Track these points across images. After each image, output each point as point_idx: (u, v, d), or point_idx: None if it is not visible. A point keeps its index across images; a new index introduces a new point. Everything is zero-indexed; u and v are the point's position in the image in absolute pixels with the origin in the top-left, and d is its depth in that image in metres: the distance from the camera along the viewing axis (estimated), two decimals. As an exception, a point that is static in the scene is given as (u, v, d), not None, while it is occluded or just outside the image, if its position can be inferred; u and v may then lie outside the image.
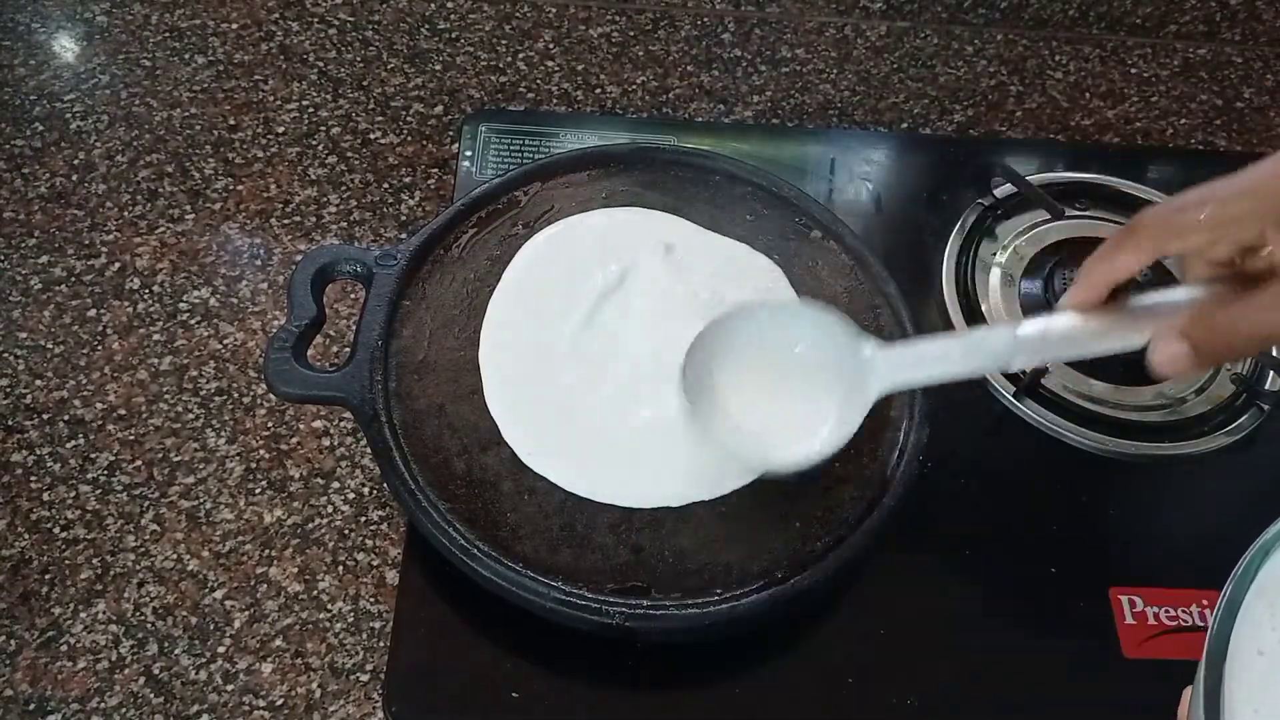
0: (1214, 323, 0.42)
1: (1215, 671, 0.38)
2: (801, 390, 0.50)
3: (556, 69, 0.85)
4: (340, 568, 0.61)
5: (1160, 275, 0.59)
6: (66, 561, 0.61)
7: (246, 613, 0.59)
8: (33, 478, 0.64)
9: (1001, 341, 0.46)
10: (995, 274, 0.70)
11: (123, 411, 0.66)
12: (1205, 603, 0.57)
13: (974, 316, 0.67)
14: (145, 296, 0.71)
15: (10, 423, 0.65)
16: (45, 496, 0.63)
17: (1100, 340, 0.45)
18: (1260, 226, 0.41)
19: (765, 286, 0.61)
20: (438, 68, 0.84)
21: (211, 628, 0.59)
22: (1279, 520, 0.41)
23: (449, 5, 0.88)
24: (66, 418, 0.66)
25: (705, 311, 0.59)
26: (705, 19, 0.89)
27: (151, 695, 0.57)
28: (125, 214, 0.75)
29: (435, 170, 0.78)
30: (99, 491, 0.63)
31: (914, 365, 0.48)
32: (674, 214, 0.64)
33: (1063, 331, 0.45)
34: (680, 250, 0.62)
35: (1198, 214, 0.43)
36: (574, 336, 0.58)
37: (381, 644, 0.58)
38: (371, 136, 0.80)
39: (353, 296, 0.71)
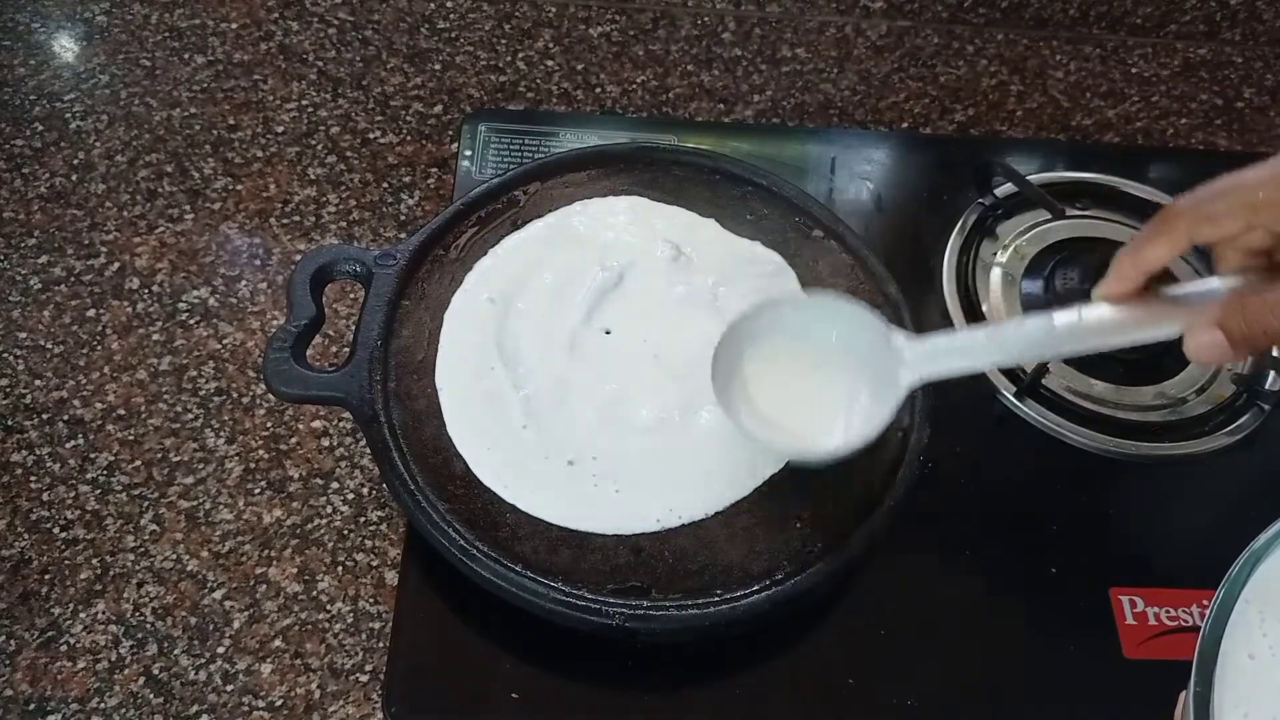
0: (1248, 309, 0.42)
1: (1206, 675, 0.38)
2: (830, 383, 0.50)
3: (556, 69, 0.85)
4: (340, 568, 0.61)
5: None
6: (66, 561, 0.61)
7: (246, 613, 0.59)
8: (33, 478, 0.63)
9: (1036, 332, 0.46)
10: (996, 274, 0.70)
11: (122, 411, 0.66)
12: (1205, 603, 0.57)
13: (974, 316, 0.67)
14: (145, 296, 0.71)
15: (10, 423, 0.65)
16: (45, 496, 0.63)
17: (1133, 331, 0.45)
18: None
19: (765, 285, 0.61)
20: (437, 67, 0.84)
21: (211, 628, 0.59)
22: (1269, 528, 0.41)
23: (449, 5, 0.88)
24: (66, 418, 0.66)
25: (707, 310, 0.60)
26: (705, 19, 0.89)
27: (151, 695, 0.57)
28: (125, 214, 0.75)
29: (435, 170, 0.78)
30: (99, 491, 0.63)
31: (945, 356, 0.48)
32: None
33: (1096, 323, 0.45)
34: (684, 245, 0.62)
35: (1231, 200, 0.43)
36: (572, 336, 0.58)
37: (381, 644, 0.58)
38: (371, 136, 0.80)
39: (352, 296, 0.71)
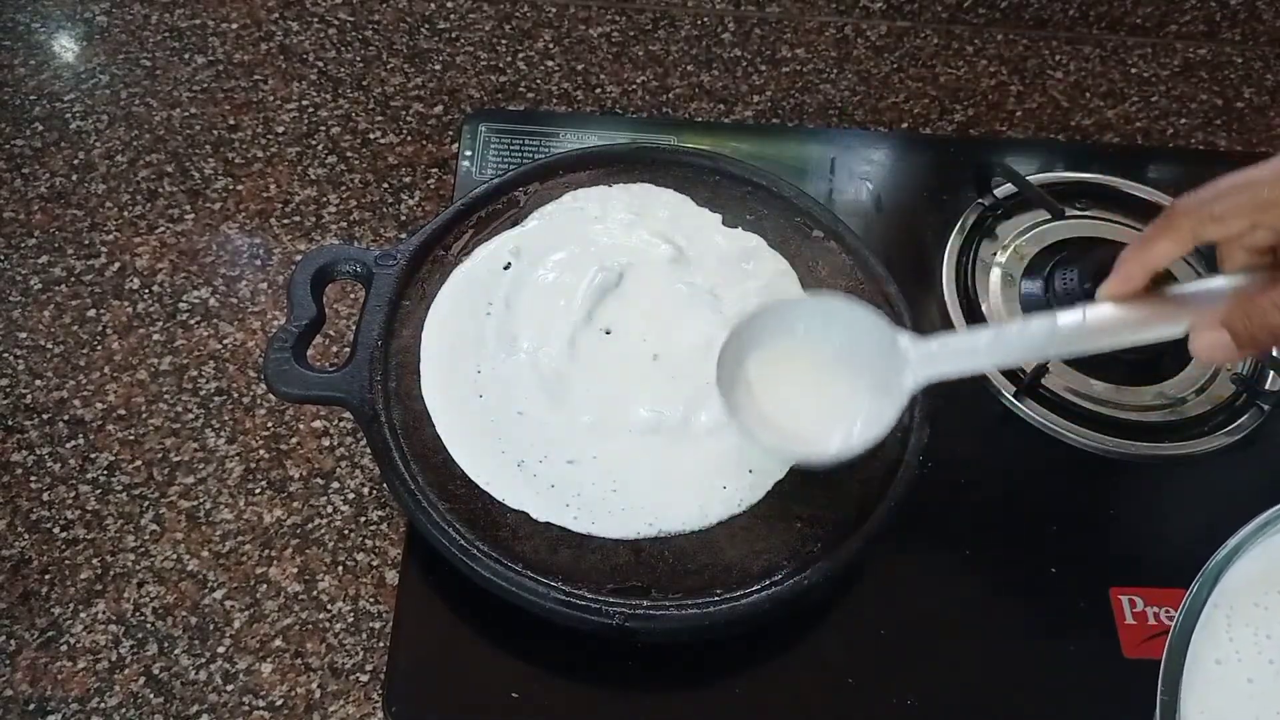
0: (1254, 308, 0.42)
1: (1173, 679, 0.39)
2: (835, 385, 0.50)
3: (556, 69, 0.85)
4: (340, 568, 0.61)
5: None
6: (66, 561, 0.61)
7: (246, 613, 0.59)
8: (33, 478, 0.64)
9: (1040, 333, 0.46)
10: (995, 274, 0.70)
11: (123, 411, 0.66)
12: (1205, 603, 0.57)
13: (974, 316, 0.67)
14: (145, 296, 0.71)
15: (10, 423, 0.65)
16: (45, 496, 0.63)
17: (1138, 330, 0.45)
18: None
19: (766, 285, 0.61)
20: (438, 68, 0.84)
21: (211, 628, 0.59)
22: (1234, 535, 0.42)
23: (449, 5, 0.88)
24: (66, 418, 0.66)
25: (707, 310, 0.60)
26: (705, 19, 0.89)
27: (151, 695, 0.57)
28: (125, 214, 0.75)
29: (435, 170, 0.78)
30: (99, 491, 0.63)
31: (949, 358, 0.48)
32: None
33: (1100, 322, 0.45)
34: (685, 244, 0.62)
35: (1236, 200, 0.43)
36: (572, 335, 0.58)
37: (381, 644, 0.58)
38: (371, 136, 0.80)
39: (353, 296, 0.71)
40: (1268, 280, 0.43)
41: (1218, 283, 0.45)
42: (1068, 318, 0.45)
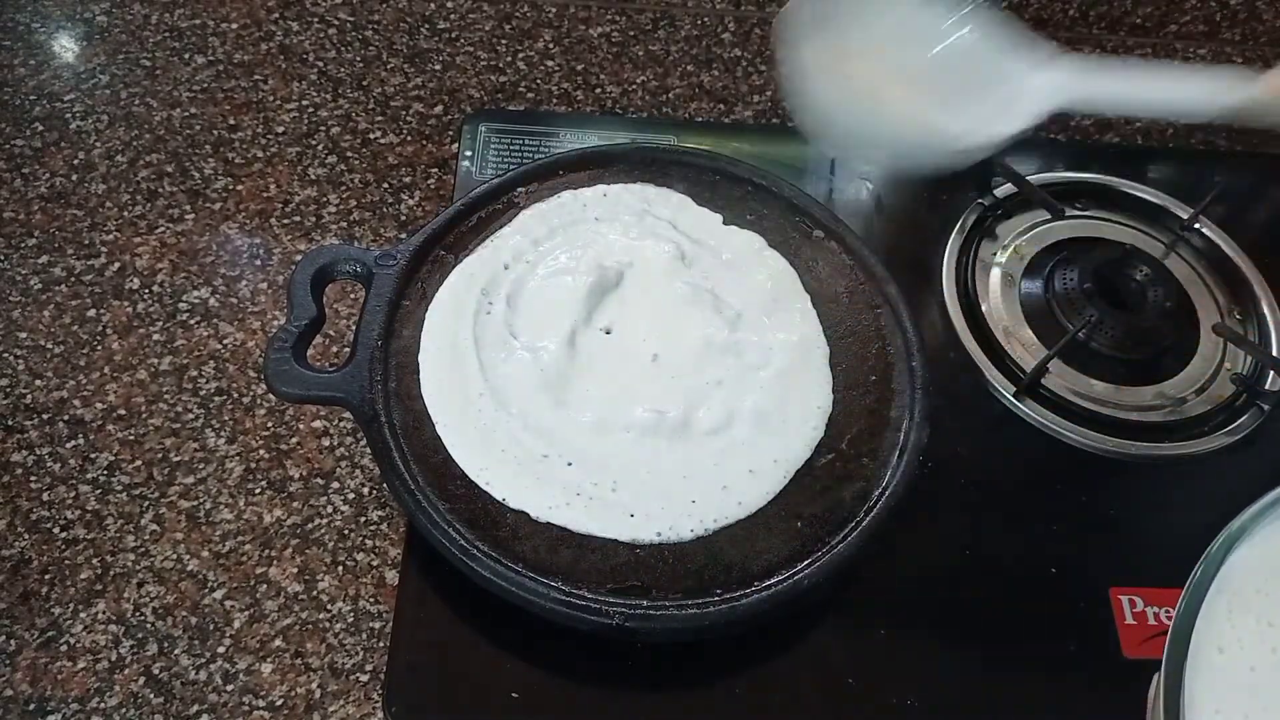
0: None
1: (1175, 669, 0.39)
2: (939, 89, 0.46)
3: (556, 69, 0.85)
4: (340, 568, 0.61)
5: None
6: (66, 561, 0.61)
7: (246, 613, 0.59)
8: (33, 478, 0.64)
9: (1204, 92, 0.44)
10: (996, 274, 0.70)
11: (123, 411, 0.66)
12: (1205, 603, 0.57)
13: (974, 317, 0.67)
14: (145, 296, 0.71)
15: (10, 423, 0.65)
16: (45, 496, 0.63)
17: None
18: None
19: (766, 285, 0.61)
20: (438, 68, 0.84)
21: (211, 628, 0.59)
22: (1236, 519, 0.42)
23: (449, 5, 0.88)
24: (66, 418, 0.66)
25: (708, 310, 0.60)
26: (705, 19, 0.89)
27: (151, 695, 0.57)
28: (125, 214, 0.75)
29: (435, 170, 0.78)
30: (99, 491, 0.63)
31: (1096, 85, 0.45)
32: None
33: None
34: (685, 244, 0.62)
35: None
36: (571, 335, 0.58)
37: (381, 644, 0.58)
38: (371, 136, 0.80)
39: (353, 296, 0.71)
40: None
41: None
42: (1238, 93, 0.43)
